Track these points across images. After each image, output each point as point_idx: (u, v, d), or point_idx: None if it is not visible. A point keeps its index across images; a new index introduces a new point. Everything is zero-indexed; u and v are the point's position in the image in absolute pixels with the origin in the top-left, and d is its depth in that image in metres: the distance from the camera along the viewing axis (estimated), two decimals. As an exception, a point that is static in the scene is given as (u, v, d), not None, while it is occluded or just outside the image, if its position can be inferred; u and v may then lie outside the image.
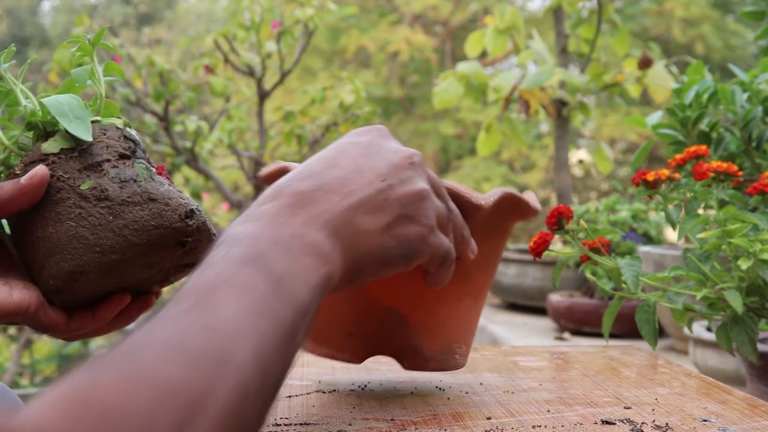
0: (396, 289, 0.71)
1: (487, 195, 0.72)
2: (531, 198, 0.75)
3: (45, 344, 3.76)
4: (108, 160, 0.73)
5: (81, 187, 0.71)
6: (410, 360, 0.74)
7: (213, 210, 4.11)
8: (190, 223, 0.73)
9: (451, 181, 0.77)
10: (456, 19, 9.53)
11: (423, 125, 9.30)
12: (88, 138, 0.72)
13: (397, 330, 0.73)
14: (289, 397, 0.78)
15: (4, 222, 0.77)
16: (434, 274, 0.65)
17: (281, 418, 0.71)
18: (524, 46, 2.72)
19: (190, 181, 3.11)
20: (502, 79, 2.55)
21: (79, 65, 0.83)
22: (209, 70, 2.69)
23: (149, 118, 2.66)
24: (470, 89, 2.64)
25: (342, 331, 0.74)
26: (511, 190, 0.73)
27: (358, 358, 0.75)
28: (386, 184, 0.60)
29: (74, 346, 3.49)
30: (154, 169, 0.75)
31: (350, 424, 0.69)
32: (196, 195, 3.02)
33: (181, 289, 0.48)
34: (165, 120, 2.56)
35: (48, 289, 0.72)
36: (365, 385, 0.83)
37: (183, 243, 0.73)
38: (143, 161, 0.74)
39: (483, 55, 2.89)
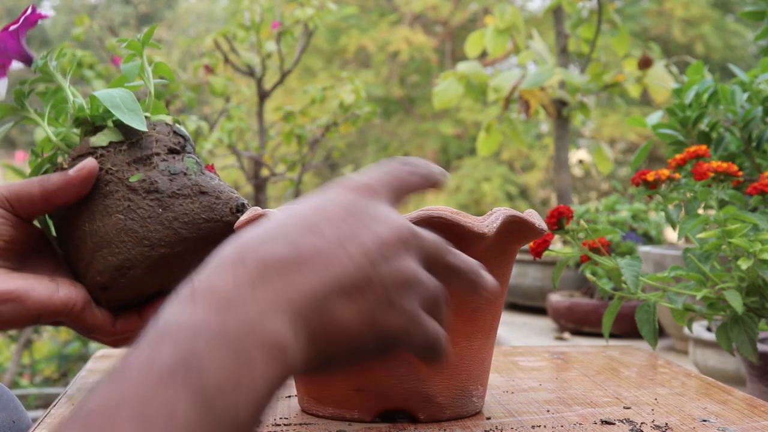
0: None
1: (489, 221, 0.67)
2: (535, 218, 0.70)
3: (45, 344, 3.76)
4: (157, 154, 0.72)
5: (130, 180, 0.70)
6: (425, 409, 0.69)
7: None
8: (241, 217, 0.71)
9: (449, 209, 0.75)
10: (456, 19, 9.53)
11: (423, 125, 9.30)
12: (144, 128, 0.71)
13: (407, 379, 0.68)
14: (289, 397, 0.78)
15: (50, 222, 0.76)
16: (422, 361, 0.53)
17: (281, 418, 0.71)
18: (524, 46, 2.72)
19: (190, 181, 3.11)
20: (502, 79, 2.55)
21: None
22: (209, 70, 2.69)
23: (149, 118, 2.66)
24: (470, 89, 2.64)
25: (348, 387, 0.69)
26: (514, 211, 0.69)
27: (368, 414, 0.69)
28: (369, 262, 0.48)
29: (75, 346, 3.48)
30: (203, 164, 0.74)
31: (350, 424, 0.69)
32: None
33: (82, 405, 0.38)
34: (165, 120, 2.56)
35: (94, 286, 0.71)
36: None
37: None
38: (193, 156, 0.74)
39: (483, 55, 2.89)
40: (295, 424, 0.69)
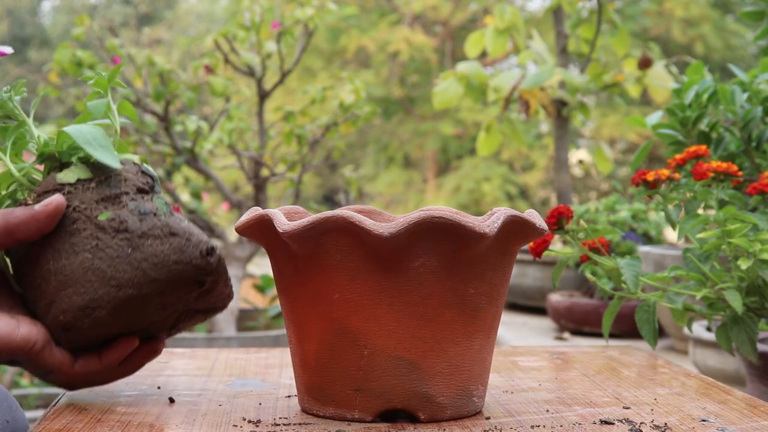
0: (402, 335, 0.67)
1: (490, 221, 0.67)
2: (536, 218, 0.70)
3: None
4: (126, 193, 0.70)
5: (99, 218, 0.69)
6: (426, 410, 0.69)
7: (213, 210, 4.11)
8: (211, 260, 0.70)
9: (449, 210, 0.73)
10: (456, 19, 9.53)
11: (423, 125, 9.31)
12: (118, 165, 0.70)
13: (407, 379, 0.68)
14: (289, 397, 0.78)
15: (8, 259, 0.73)
16: None
17: (281, 418, 0.71)
18: (524, 46, 2.72)
19: (190, 181, 3.11)
20: (502, 79, 2.55)
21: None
22: (209, 70, 2.69)
23: (149, 118, 2.67)
24: (470, 89, 2.64)
25: (348, 387, 0.69)
26: (515, 211, 0.69)
27: (369, 414, 0.69)
28: None
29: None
30: (171, 206, 0.73)
31: (350, 424, 0.69)
32: (196, 195, 3.02)
33: None
34: (165, 120, 2.57)
35: (56, 326, 0.69)
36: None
37: (201, 282, 0.71)
38: (161, 197, 0.72)
39: (483, 55, 2.89)
40: (294, 424, 0.69)
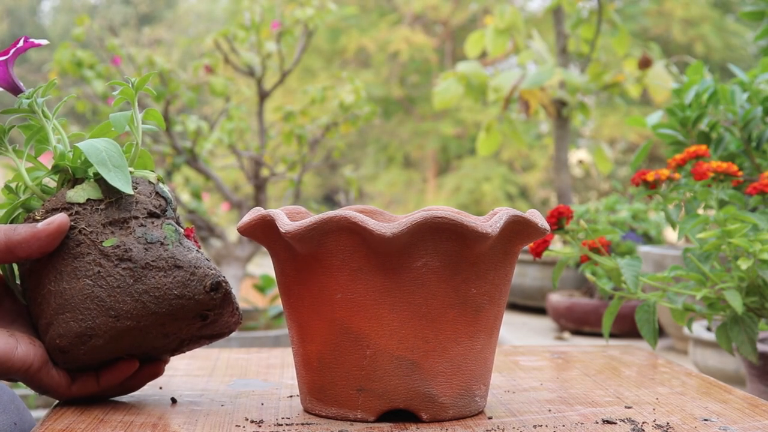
0: (404, 335, 0.67)
1: (492, 221, 0.68)
2: (538, 218, 0.70)
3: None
4: (136, 218, 0.69)
5: (104, 244, 0.68)
6: (428, 409, 0.69)
7: (213, 210, 4.11)
8: (215, 296, 0.69)
9: (451, 210, 0.73)
10: (456, 19, 9.53)
11: (423, 125, 9.30)
12: (129, 191, 0.68)
13: (410, 379, 0.68)
14: (291, 397, 0.78)
15: (17, 271, 0.73)
16: None
17: (283, 418, 0.71)
18: (524, 46, 2.72)
19: (190, 181, 3.11)
20: (502, 79, 2.55)
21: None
22: (209, 70, 2.69)
23: (149, 119, 2.66)
24: (470, 89, 2.64)
25: (350, 387, 0.69)
26: (517, 211, 0.69)
27: (372, 414, 0.69)
28: None
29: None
30: (182, 231, 0.71)
31: (352, 424, 0.69)
32: (196, 195, 3.02)
33: None
34: (165, 120, 2.57)
35: (53, 348, 0.69)
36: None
37: (204, 316, 0.70)
38: (172, 222, 0.71)
39: (483, 55, 2.89)
40: (297, 424, 0.69)
